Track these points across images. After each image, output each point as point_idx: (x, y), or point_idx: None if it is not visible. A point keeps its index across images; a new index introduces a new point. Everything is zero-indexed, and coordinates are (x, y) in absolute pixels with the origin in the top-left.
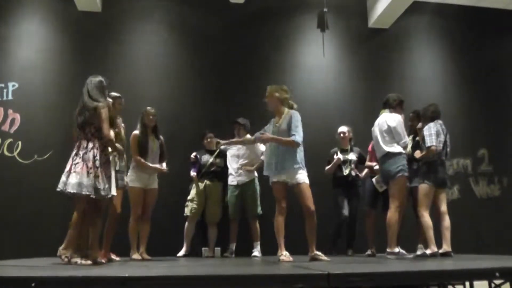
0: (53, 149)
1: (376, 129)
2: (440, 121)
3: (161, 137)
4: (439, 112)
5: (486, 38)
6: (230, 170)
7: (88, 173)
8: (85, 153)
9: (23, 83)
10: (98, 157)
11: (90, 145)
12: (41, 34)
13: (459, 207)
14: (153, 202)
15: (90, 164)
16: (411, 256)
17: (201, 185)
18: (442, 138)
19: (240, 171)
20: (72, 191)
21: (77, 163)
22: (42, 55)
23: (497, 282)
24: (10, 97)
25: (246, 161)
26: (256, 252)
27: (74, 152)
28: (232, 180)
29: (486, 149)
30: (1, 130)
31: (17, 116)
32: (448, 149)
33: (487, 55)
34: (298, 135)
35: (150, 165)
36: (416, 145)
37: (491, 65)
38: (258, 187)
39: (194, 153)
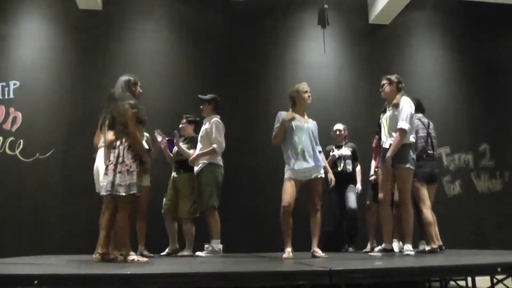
0: (55, 148)
1: None
2: (420, 115)
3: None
4: (420, 105)
5: (487, 32)
6: None
7: (114, 170)
8: (114, 151)
9: (24, 82)
10: (123, 154)
11: (118, 143)
12: (42, 33)
13: (461, 202)
14: (148, 200)
15: (116, 160)
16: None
17: (171, 178)
18: (422, 133)
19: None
20: (104, 193)
21: (109, 163)
22: (43, 53)
23: (499, 277)
24: (11, 95)
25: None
26: (207, 250)
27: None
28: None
29: (487, 144)
30: (3, 128)
31: (19, 115)
32: (434, 141)
33: (488, 50)
34: None
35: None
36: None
37: (492, 60)
38: (215, 175)
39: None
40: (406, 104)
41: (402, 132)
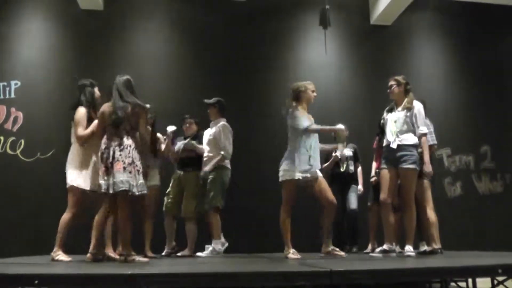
0: (56, 147)
1: None
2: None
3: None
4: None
5: (488, 34)
6: None
7: (124, 169)
8: (121, 150)
9: (25, 82)
10: (132, 154)
11: (125, 142)
12: (43, 33)
13: (462, 204)
14: (154, 200)
15: (126, 160)
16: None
17: (175, 176)
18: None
19: (205, 159)
20: (114, 191)
21: (114, 161)
22: (45, 53)
23: (500, 278)
24: (12, 95)
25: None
26: (208, 251)
27: (103, 152)
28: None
29: (488, 145)
30: (4, 128)
31: (20, 114)
32: None
33: (490, 51)
34: None
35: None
36: None
37: (494, 61)
38: (221, 176)
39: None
40: (421, 108)
41: (425, 136)
